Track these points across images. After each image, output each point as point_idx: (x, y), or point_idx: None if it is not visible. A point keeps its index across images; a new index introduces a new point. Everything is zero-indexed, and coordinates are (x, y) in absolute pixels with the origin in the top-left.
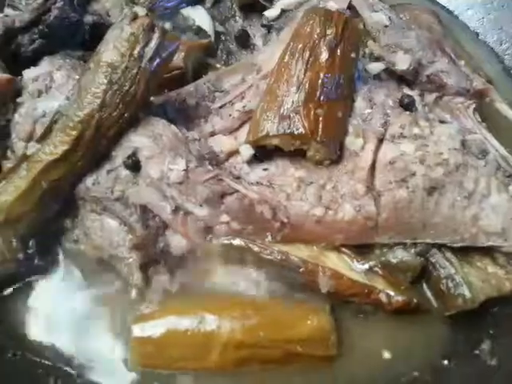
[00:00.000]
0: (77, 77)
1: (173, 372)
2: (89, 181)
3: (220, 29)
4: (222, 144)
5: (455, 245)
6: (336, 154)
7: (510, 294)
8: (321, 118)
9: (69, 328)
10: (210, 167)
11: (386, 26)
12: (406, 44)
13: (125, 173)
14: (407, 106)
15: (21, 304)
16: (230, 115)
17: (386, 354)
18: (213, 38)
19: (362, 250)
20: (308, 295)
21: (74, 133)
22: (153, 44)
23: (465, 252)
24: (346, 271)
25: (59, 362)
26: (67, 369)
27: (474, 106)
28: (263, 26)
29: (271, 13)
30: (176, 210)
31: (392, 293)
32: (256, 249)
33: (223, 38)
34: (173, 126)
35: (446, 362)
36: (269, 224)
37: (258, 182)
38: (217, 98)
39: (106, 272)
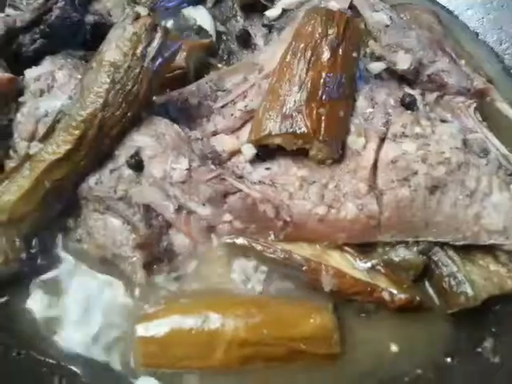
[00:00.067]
0: (79, 76)
1: (177, 371)
2: (92, 180)
3: (221, 29)
4: (224, 143)
5: (457, 243)
6: (338, 153)
7: None
8: (323, 118)
9: (72, 327)
10: (212, 166)
11: (387, 26)
12: (407, 44)
13: (128, 172)
14: (409, 105)
15: (24, 303)
16: (232, 115)
17: (389, 352)
18: (214, 38)
19: (364, 248)
20: (311, 294)
21: (77, 132)
22: (155, 43)
23: (467, 250)
24: (348, 270)
25: (63, 361)
26: (72, 367)
27: (474, 105)
28: (264, 25)
29: (272, 12)
30: (179, 209)
31: (395, 291)
32: (259, 247)
33: (224, 37)
34: (175, 126)
35: (448, 359)
36: (271, 223)
37: (260, 182)
38: (219, 98)
39: (109, 271)
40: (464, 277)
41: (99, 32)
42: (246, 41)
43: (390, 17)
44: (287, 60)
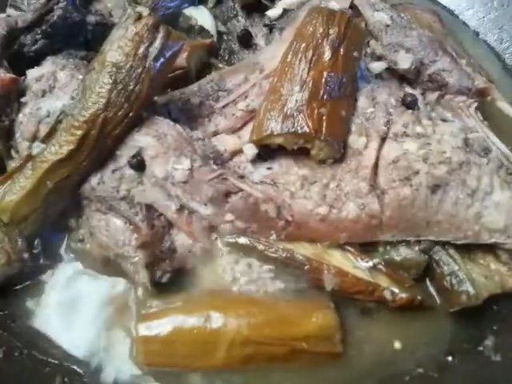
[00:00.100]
0: (80, 76)
1: (179, 370)
2: (94, 180)
3: (222, 28)
4: (225, 143)
5: (458, 242)
6: (339, 153)
7: None
8: (324, 117)
9: (75, 327)
10: (214, 166)
11: (388, 26)
12: (408, 43)
13: (129, 172)
14: (410, 104)
15: (27, 304)
16: (234, 114)
17: (391, 351)
18: (215, 38)
19: (365, 247)
20: (313, 293)
21: (79, 132)
22: (157, 44)
23: (468, 249)
24: (350, 269)
25: (66, 361)
26: (74, 367)
27: (475, 104)
28: (265, 25)
29: (273, 12)
30: (181, 209)
31: (396, 290)
32: (261, 247)
33: (225, 37)
34: (177, 126)
35: (450, 358)
36: (273, 222)
37: (262, 181)
38: (220, 98)
39: (111, 271)
40: (465, 275)
41: (100, 32)
42: (247, 41)
43: (391, 16)
44: (288, 60)
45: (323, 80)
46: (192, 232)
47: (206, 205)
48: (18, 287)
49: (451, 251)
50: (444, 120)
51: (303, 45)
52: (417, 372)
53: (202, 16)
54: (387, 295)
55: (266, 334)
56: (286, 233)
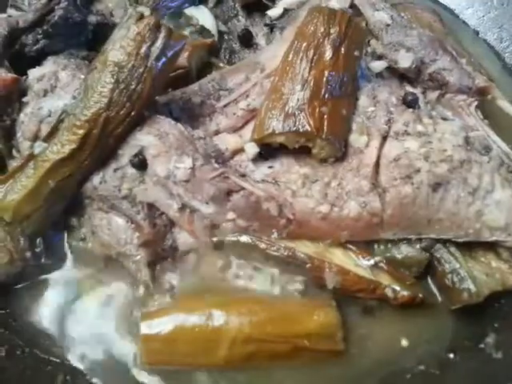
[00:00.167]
0: (82, 76)
1: (182, 369)
2: (96, 179)
3: (223, 28)
4: (227, 142)
5: (459, 240)
6: (341, 152)
7: None
8: (326, 116)
9: (77, 325)
10: (216, 165)
11: (388, 25)
12: (408, 42)
13: (131, 171)
14: (410, 103)
15: (29, 302)
16: (235, 114)
17: (392, 349)
18: (216, 38)
19: (367, 245)
20: (314, 291)
21: (81, 132)
22: (159, 43)
23: (469, 247)
24: (351, 267)
25: (68, 360)
26: (76, 366)
27: (475, 103)
28: (266, 25)
29: (274, 12)
30: (182, 207)
31: (398, 288)
32: (263, 245)
33: (226, 37)
34: (179, 125)
35: (451, 355)
36: (275, 221)
37: (263, 180)
38: (221, 97)
39: (113, 269)
40: (466, 273)
41: (101, 32)
42: (247, 40)
43: (391, 16)
44: (290, 59)
45: (324, 79)
46: (194, 231)
47: (207, 203)
48: (19, 286)
49: (452, 249)
50: (445, 119)
51: (304, 44)
52: (418, 369)
53: (202, 16)
54: (389, 293)
55: (267, 332)
56: (288, 231)
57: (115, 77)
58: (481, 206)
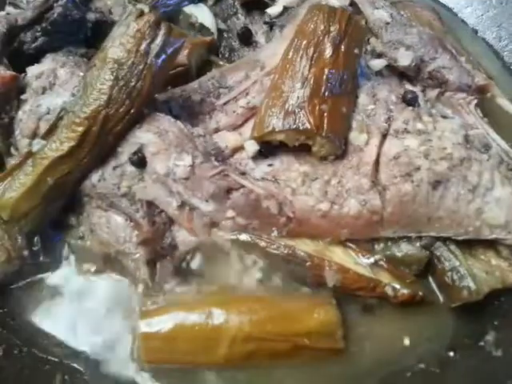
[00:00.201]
0: (81, 74)
1: (181, 367)
2: (95, 177)
3: (222, 26)
4: (226, 140)
5: (459, 238)
6: (341, 149)
7: None
8: (326, 114)
9: (76, 324)
10: (215, 163)
11: (388, 23)
12: (408, 41)
13: (130, 169)
14: (410, 101)
15: (26, 301)
16: (234, 111)
17: (393, 347)
18: (215, 36)
19: (367, 244)
20: (314, 289)
21: (80, 129)
22: (159, 40)
23: (469, 245)
24: (351, 265)
25: (66, 359)
26: (74, 365)
27: (475, 101)
28: (265, 23)
29: (273, 10)
30: (182, 205)
31: (397, 286)
32: (262, 244)
33: (226, 35)
34: (178, 122)
35: (451, 353)
36: (275, 219)
37: (263, 178)
38: (221, 95)
39: (112, 268)
40: (466, 271)
41: (100, 30)
42: (247, 38)
43: (391, 14)
44: (289, 57)
45: (324, 77)
46: (193, 229)
47: (207, 201)
48: (17, 285)
49: (452, 247)
50: (444, 117)
51: (304, 42)
52: (418, 367)
53: (202, 13)
54: (389, 291)
55: (267, 330)
56: (288, 229)
57: (115, 74)
58: (481, 204)
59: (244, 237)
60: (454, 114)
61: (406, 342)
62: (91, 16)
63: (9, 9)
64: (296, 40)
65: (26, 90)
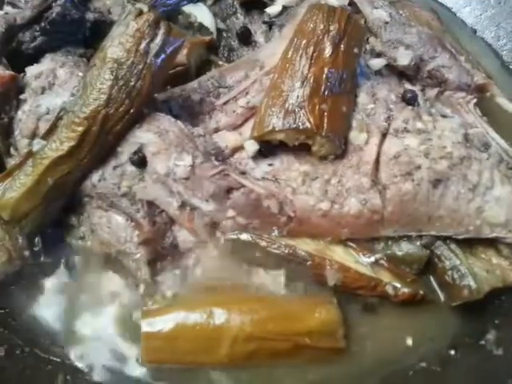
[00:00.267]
0: (80, 74)
1: (183, 367)
2: (95, 177)
3: (222, 26)
4: (226, 140)
5: (460, 237)
6: (341, 149)
7: None
8: (325, 113)
9: (77, 324)
10: (215, 163)
11: (387, 23)
12: (407, 40)
13: (131, 169)
14: (410, 100)
15: (28, 301)
16: (234, 111)
17: (394, 346)
18: (215, 35)
19: (367, 243)
20: (315, 288)
21: (80, 129)
22: (158, 40)
23: (469, 244)
24: (352, 264)
25: (68, 359)
26: (76, 365)
27: (474, 100)
28: (264, 22)
29: (273, 9)
30: (182, 205)
31: (398, 285)
32: (263, 243)
33: (225, 34)
34: (179, 122)
35: (452, 352)
36: (275, 218)
37: (263, 177)
38: (221, 94)
39: (113, 268)
40: (467, 270)
41: (99, 30)
42: (246, 38)
43: (390, 13)
44: (289, 56)
45: (324, 76)
46: (194, 228)
47: (207, 201)
48: (18, 285)
49: (453, 246)
50: (444, 116)
51: (304, 41)
52: (420, 366)
53: (201, 13)
54: (389, 290)
55: (269, 330)
56: (288, 229)
57: (114, 73)
58: (481, 203)
59: (245, 236)
60: (454, 113)
61: (407, 341)
62: (90, 16)
63: (7, 8)
64: (295, 39)
65: (26, 90)
